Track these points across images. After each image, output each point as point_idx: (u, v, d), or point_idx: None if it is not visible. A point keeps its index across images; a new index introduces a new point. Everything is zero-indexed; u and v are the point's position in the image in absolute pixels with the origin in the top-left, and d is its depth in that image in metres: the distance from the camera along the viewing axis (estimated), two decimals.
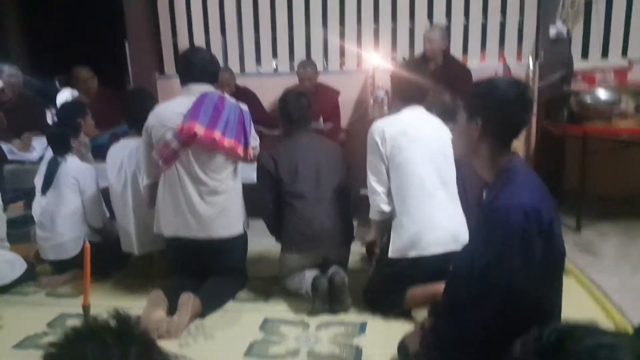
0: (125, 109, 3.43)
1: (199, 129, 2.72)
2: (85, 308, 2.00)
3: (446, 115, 3.12)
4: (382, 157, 2.67)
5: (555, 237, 1.62)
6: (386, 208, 2.70)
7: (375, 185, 2.71)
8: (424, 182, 2.59)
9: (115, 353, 0.73)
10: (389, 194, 2.70)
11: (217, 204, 2.85)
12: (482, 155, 1.74)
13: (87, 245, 1.88)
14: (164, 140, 2.78)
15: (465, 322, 1.68)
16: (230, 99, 2.94)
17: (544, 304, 1.65)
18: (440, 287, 2.10)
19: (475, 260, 1.69)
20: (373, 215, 2.79)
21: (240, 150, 2.88)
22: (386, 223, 2.79)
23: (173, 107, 2.86)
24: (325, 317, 2.72)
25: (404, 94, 2.79)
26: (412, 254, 2.54)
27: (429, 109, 2.86)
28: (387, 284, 2.67)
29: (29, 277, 3.32)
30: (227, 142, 2.81)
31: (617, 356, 0.68)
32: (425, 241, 2.53)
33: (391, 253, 2.58)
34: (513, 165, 1.68)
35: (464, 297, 1.72)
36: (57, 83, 5.15)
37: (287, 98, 3.11)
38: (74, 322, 2.75)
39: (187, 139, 2.75)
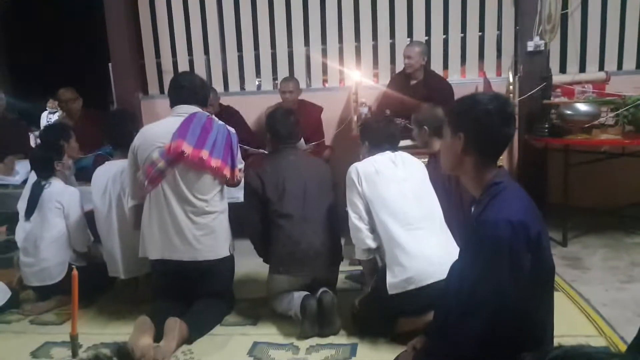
0: (108, 130, 3.39)
1: (187, 148, 2.72)
2: (73, 338, 1.96)
3: (439, 129, 3.14)
4: (360, 195, 2.74)
5: (544, 251, 1.62)
6: (372, 244, 2.72)
7: (357, 223, 2.75)
8: (407, 217, 2.62)
9: None
10: (372, 231, 2.73)
11: (205, 225, 2.83)
12: (467, 170, 1.74)
13: (75, 273, 1.84)
14: (150, 160, 2.76)
15: (456, 337, 1.67)
16: (218, 121, 2.94)
17: (534, 319, 1.65)
18: (431, 314, 2.10)
19: (464, 275, 1.70)
20: (359, 255, 2.82)
21: (227, 172, 2.87)
22: (373, 263, 2.81)
23: (161, 127, 2.85)
24: (315, 340, 2.69)
25: (375, 142, 2.90)
26: (412, 287, 2.49)
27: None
28: (379, 315, 2.63)
29: (12, 304, 3.25)
30: (214, 162, 2.80)
31: None
32: (421, 274, 2.48)
33: (390, 290, 2.52)
34: (499, 179, 1.68)
35: (455, 312, 1.72)
36: (48, 106, 5.08)
37: (275, 115, 3.11)
38: (59, 351, 2.71)
39: (174, 158, 2.73)
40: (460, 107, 1.76)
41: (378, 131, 2.91)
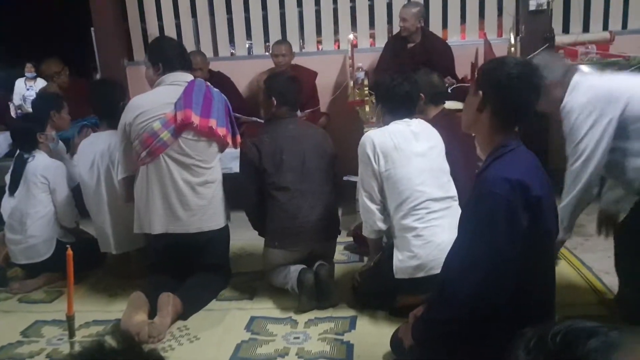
0: (94, 101, 3.26)
1: (195, 118, 2.65)
2: (70, 318, 1.90)
3: (435, 97, 3.03)
4: (375, 174, 2.52)
5: (545, 215, 1.61)
6: (382, 226, 2.59)
7: (368, 204, 2.57)
8: (425, 198, 2.43)
9: None
10: (383, 210, 2.57)
11: (207, 194, 2.77)
12: (480, 129, 1.74)
13: (70, 253, 1.76)
14: (151, 131, 2.65)
15: (453, 298, 1.67)
16: (213, 88, 2.87)
17: (532, 287, 1.64)
18: None
19: (462, 232, 1.72)
20: (368, 234, 2.68)
21: (229, 139, 2.86)
22: (381, 240, 2.73)
23: (157, 97, 2.74)
24: (313, 313, 2.64)
25: (389, 106, 2.63)
26: (420, 274, 2.39)
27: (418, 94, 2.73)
28: (381, 290, 2.58)
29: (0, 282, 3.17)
30: (220, 130, 2.77)
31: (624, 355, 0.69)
32: (432, 262, 2.36)
33: (397, 274, 2.44)
34: (509, 143, 1.67)
35: (452, 271, 1.73)
36: (26, 71, 4.88)
37: (278, 79, 2.97)
38: (50, 330, 2.66)
39: (180, 128, 2.65)
40: (487, 66, 1.80)
41: (392, 93, 2.58)
